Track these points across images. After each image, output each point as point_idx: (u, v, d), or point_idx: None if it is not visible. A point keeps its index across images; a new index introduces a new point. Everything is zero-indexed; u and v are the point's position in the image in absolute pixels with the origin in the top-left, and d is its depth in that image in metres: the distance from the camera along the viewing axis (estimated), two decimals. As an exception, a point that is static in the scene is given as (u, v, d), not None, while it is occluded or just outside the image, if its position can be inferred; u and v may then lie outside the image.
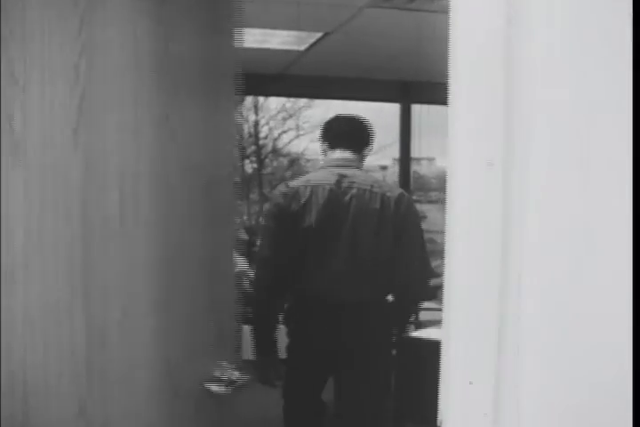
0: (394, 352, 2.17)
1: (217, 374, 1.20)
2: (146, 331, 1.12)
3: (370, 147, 2.11)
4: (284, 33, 3.55)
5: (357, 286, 1.95)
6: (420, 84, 4.51)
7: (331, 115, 2.22)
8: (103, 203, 1.07)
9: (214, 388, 1.18)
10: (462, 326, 0.63)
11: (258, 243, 2.32)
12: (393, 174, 5.70)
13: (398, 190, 2.06)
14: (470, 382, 0.62)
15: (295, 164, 7.28)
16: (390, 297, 2.08)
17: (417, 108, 4.96)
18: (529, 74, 0.64)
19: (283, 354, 2.01)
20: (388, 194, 1.95)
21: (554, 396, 0.62)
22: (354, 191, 1.93)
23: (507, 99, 0.64)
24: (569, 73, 0.66)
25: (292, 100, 6.78)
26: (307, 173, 2.20)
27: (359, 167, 2.04)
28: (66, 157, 1.05)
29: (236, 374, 1.20)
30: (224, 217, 1.25)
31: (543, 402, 0.63)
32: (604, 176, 0.63)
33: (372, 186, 1.96)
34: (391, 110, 4.98)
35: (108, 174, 1.08)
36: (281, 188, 2.03)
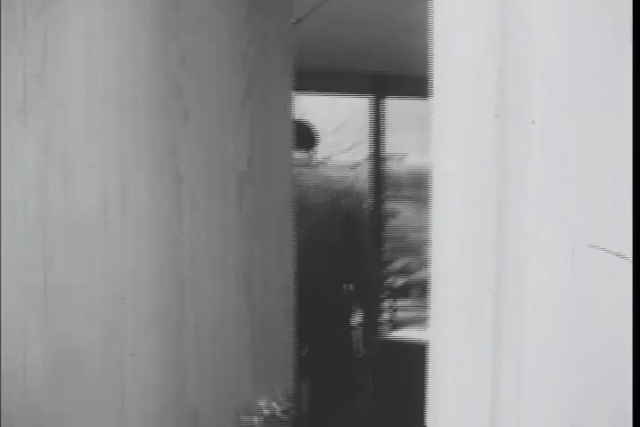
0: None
1: (256, 407, 1.00)
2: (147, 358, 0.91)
3: (316, 146, 2.40)
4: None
5: (313, 274, 2.13)
6: (393, 78, 4.50)
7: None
8: (74, 200, 0.88)
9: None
10: (454, 326, 0.61)
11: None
12: (365, 172, 5.69)
13: (344, 184, 2.36)
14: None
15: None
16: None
17: (389, 103, 4.96)
18: (527, 72, 0.64)
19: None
20: (334, 188, 2.23)
21: (554, 396, 0.61)
22: (303, 188, 2.17)
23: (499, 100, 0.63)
24: (568, 72, 0.66)
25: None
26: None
27: (310, 165, 2.31)
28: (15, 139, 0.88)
29: (285, 406, 1.01)
30: (277, 216, 1.04)
31: (543, 402, 0.62)
32: (603, 177, 0.62)
33: (318, 182, 2.23)
34: (363, 105, 4.96)
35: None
36: None
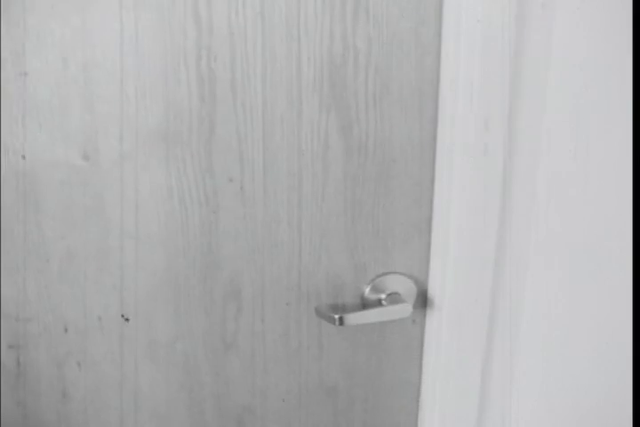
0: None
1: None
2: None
3: None
4: None
5: None
6: None
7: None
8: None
9: None
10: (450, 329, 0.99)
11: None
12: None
13: None
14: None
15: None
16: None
17: None
18: (532, 73, 0.88)
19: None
20: None
21: (553, 399, 0.94)
22: None
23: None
24: (569, 72, 0.89)
25: None
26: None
27: None
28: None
29: None
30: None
31: (542, 406, 0.94)
32: (604, 184, 0.90)
33: None
34: None
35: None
36: None
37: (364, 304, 1.01)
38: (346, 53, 0.90)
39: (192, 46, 0.87)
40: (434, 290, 1.02)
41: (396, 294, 1.02)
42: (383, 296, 1.01)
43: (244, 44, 0.87)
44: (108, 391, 0.98)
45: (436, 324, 1.02)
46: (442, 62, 0.92)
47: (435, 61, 0.92)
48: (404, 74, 0.92)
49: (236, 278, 0.96)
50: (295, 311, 0.99)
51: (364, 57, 0.91)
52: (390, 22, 0.90)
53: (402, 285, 1.02)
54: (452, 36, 0.89)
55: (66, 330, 0.95)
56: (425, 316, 1.04)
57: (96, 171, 0.89)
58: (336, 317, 0.94)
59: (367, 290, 1.01)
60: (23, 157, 0.88)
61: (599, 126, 0.93)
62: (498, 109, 0.90)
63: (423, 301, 1.03)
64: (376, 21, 0.90)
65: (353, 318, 0.95)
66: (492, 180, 0.94)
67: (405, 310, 0.97)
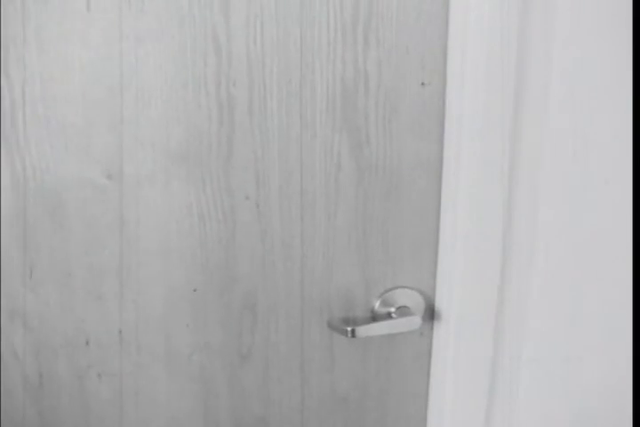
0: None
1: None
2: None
3: None
4: None
5: None
6: None
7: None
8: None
9: None
10: (455, 335, 1.06)
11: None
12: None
13: None
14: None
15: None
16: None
17: None
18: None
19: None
20: None
21: (561, 409, 0.98)
22: None
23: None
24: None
25: None
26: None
27: None
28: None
29: None
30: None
31: (549, 416, 0.98)
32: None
33: None
34: None
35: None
36: None
37: (374, 317, 1.06)
38: (357, 78, 0.96)
39: (212, 73, 0.92)
40: (441, 303, 1.06)
41: (405, 307, 1.06)
42: (393, 310, 1.06)
43: (261, 70, 0.93)
44: (127, 403, 1.02)
45: (444, 336, 1.06)
46: (448, 81, 0.97)
47: (441, 80, 0.98)
48: (412, 95, 0.98)
49: (252, 292, 1.01)
50: (308, 324, 1.04)
51: (373, 81, 0.96)
52: (399, 45, 0.95)
53: (410, 299, 1.06)
54: (458, 57, 0.94)
55: (87, 343, 0.99)
56: (432, 328, 1.09)
57: (119, 189, 0.94)
58: (348, 329, 0.99)
59: (377, 304, 1.05)
60: (49, 175, 0.93)
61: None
62: (501, 126, 0.95)
63: (431, 314, 1.08)
64: (385, 45, 0.95)
65: (364, 331, 1.00)
66: (496, 195, 0.98)
67: (414, 322, 1.02)
